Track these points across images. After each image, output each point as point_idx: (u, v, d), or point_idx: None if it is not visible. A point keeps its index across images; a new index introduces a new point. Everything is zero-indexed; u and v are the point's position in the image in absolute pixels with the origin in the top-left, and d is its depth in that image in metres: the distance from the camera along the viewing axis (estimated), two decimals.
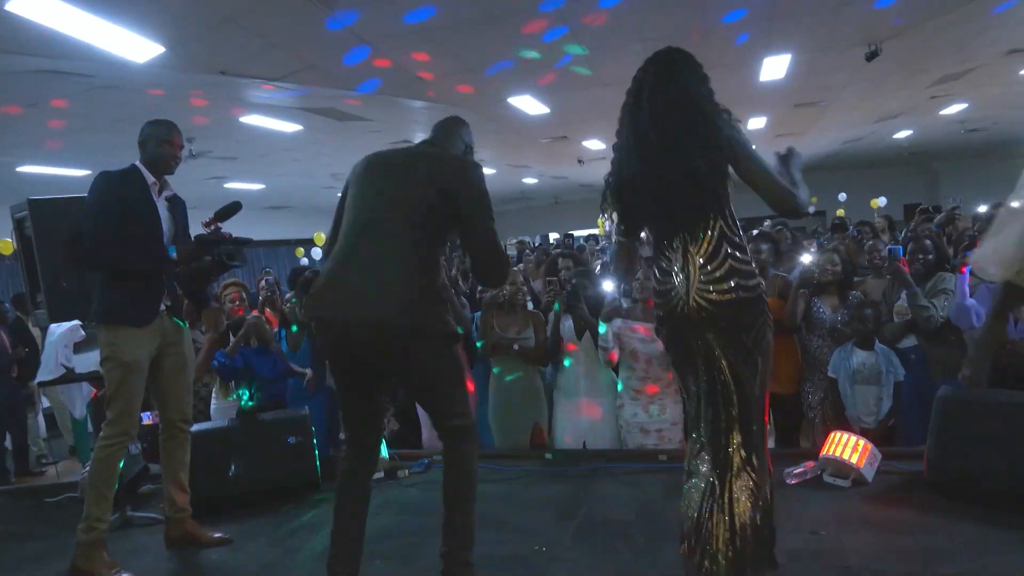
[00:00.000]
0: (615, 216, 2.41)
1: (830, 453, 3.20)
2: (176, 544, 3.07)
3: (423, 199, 2.30)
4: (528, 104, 8.34)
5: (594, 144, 11.81)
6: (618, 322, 3.97)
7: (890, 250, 4.17)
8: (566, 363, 4.15)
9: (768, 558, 2.27)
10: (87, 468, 2.91)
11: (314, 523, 3.32)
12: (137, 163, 2.97)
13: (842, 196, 15.53)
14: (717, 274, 2.15)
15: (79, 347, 3.35)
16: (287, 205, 17.03)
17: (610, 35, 6.24)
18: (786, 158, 2.24)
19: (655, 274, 2.31)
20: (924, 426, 3.73)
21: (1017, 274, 2.33)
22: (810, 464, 3.33)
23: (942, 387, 3.22)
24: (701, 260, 2.17)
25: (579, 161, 13.62)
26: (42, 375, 4.22)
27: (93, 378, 3.32)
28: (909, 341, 3.92)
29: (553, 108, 8.51)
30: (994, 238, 2.13)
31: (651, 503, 3.18)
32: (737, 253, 2.17)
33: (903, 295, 3.87)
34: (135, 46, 5.23)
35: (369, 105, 8.25)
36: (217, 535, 3.11)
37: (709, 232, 2.18)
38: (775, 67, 7.40)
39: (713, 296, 2.14)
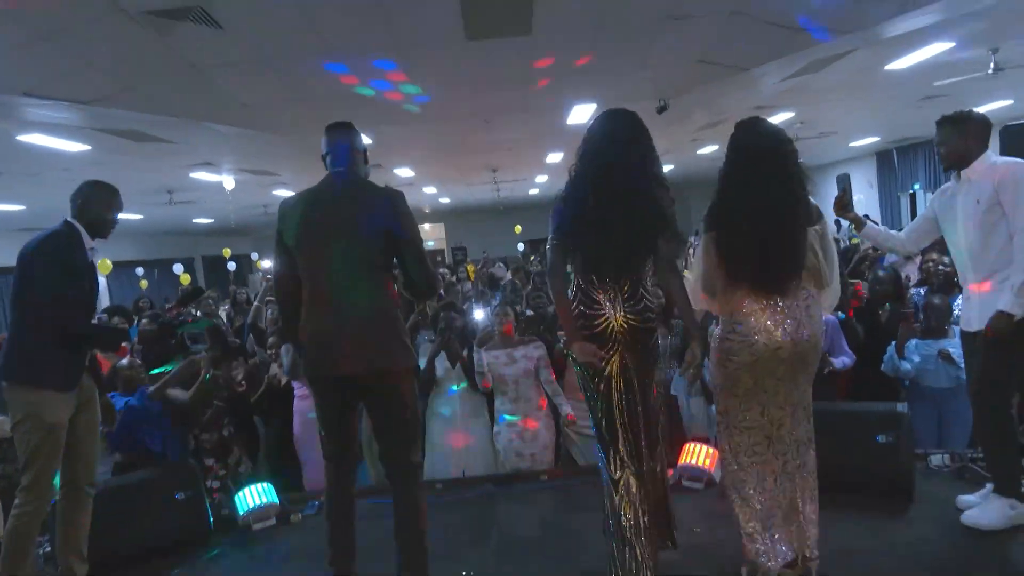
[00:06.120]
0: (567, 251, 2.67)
1: (687, 461, 3.80)
2: None
3: (377, 247, 2.55)
4: None
5: (404, 172, 12.14)
6: (484, 355, 4.30)
7: None
8: (452, 390, 4.39)
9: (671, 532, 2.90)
10: None
11: (221, 574, 3.24)
12: (73, 221, 2.78)
13: None
14: (637, 308, 2.65)
15: None
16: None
17: (443, 76, 6.63)
18: None
19: (583, 303, 2.65)
20: None
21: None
22: (670, 471, 3.90)
23: None
24: (625, 296, 2.63)
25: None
26: None
27: None
28: None
29: (376, 140, 8.63)
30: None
31: (551, 518, 3.54)
32: (649, 295, 2.70)
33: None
34: None
35: (176, 128, 7.77)
36: None
37: (632, 279, 2.65)
38: (582, 113, 8.27)
39: (634, 322, 2.63)
